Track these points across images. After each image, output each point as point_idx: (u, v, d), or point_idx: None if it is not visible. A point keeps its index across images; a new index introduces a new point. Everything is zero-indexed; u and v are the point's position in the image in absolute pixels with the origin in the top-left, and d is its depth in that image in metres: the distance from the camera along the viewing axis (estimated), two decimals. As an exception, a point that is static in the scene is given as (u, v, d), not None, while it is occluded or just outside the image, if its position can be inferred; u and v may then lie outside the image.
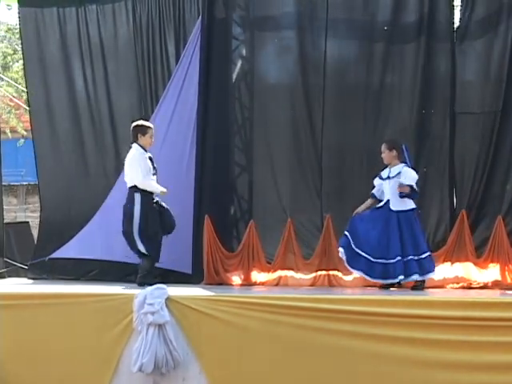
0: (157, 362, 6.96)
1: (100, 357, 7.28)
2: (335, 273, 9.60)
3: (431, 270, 8.79)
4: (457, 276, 9.33)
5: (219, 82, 10.12)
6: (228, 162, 10.10)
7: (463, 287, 9.23)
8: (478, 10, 9.51)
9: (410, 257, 8.65)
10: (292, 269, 9.76)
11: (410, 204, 8.83)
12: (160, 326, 7.00)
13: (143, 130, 9.16)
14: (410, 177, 8.81)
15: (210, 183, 9.87)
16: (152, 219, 8.96)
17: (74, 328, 7.42)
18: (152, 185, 9.00)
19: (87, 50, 11.09)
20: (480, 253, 9.25)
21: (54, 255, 10.56)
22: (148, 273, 8.83)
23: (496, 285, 9.17)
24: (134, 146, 9.16)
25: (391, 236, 8.71)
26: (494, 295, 8.28)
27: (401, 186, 8.73)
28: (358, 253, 8.74)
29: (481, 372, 6.32)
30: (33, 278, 10.74)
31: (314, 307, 6.78)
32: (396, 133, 9.65)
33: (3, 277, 10.97)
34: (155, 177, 9.13)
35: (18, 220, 18.08)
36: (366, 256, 8.73)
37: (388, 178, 8.91)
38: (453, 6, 9.59)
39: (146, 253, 8.90)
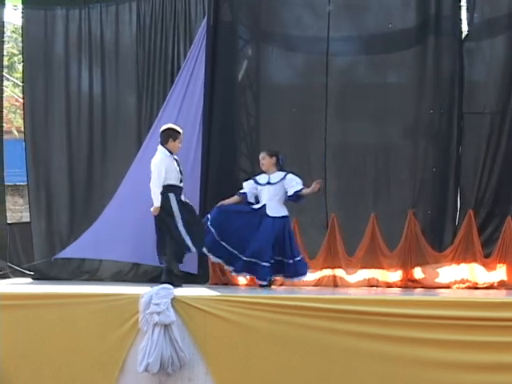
0: (163, 362, 6.95)
1: (106, 357, 7.27)
2: (340, 273, 9.60)
3: (304, 273, 9.16)
4: (462, 276, 9.31)
5: (225, 82, 10.12)
6: (233, 160, 10.10)
7: (469, 287, 9.21)
8: (485, 9, 9.49)
9: (285, 260, 9.04)
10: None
11: (285, 211, 9.11)
12: (166, 326, 6.99)
13: (175, 135, 9.04)
14: (299, 181, 9.09)
15: (215, 183, 9.88)
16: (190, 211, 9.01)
17: (80, 328, 7.40)
18: (155, 194, 8.90)
19: (91, 50, 11.07)
20: (488, 253, 9.24)
21: (59, 256, 10.57)
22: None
23: (502, 285, 9.16)
24: (160, 149, 9.04)
25: (264, 238, 8.95)
26: (500, 295, 8.26)
27: (318, 182, 9.03)
28: (221, 244, 9.04)
29: (489, 372, 6.30)
30: (37, 278, 10.76)
31: (321, 307, 6.77)
32: (402, 133, 9.66)
33: (8, 277, 10.97)
34: (182, 183, 9.05)
35: (24, 220, 18.06)
36: (231, 249, 9.03)
37: (268, 183, 9.14)
38: (460, 6, 9.58)
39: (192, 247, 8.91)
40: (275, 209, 9.07)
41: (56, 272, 10.80)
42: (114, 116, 10.95)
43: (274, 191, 9.10)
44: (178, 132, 9.09)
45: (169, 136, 9.03)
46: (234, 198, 9.29)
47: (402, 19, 9.75)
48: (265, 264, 8.90)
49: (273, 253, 8.96)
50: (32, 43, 11.40)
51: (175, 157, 9.09)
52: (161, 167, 8.91)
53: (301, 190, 9.02)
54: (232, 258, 9.07)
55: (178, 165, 9.06)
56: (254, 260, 8.94)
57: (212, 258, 9.24)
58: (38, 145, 11.22)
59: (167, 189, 8.92)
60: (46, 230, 11.11)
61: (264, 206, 9.09)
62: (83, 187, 10.99)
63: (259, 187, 9.23)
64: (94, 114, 11.02)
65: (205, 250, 9.03)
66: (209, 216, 9.14)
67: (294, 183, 9.06)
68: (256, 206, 9.17)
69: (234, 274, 9.31)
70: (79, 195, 11.00)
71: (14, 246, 11.40)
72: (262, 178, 9.25)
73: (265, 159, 9.25)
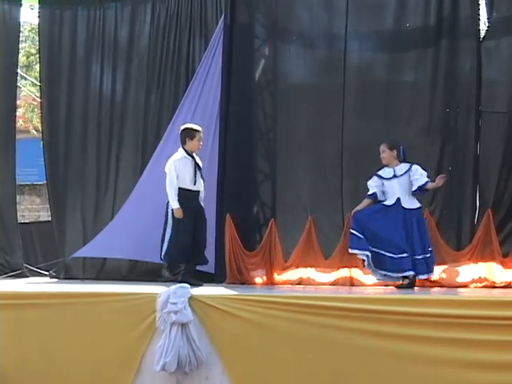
0: (180, 361, 6.95)
1: (123, 356, 7.28)
2: (356, 273, 9.57)
3: (432, 270, 8.80)
4: (480, 275, 9.28)
5: (241, 82, 10.12)
6: (250, 160, 10.11)
7: (487, 286, 9.18)
8: (503, 8, 9.45)
9: (419, 256, 8.65)
10: (312, 267, 9.76)
11: (417, 203, 8.81)
12: (183, 325, 6.99)
13: (191, 134, 9.01)
14: (424, 173, 8.78)
15: (232, 183, 9.88)
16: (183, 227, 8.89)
17: (97, 327, 7.42)
18: (171, 196, 8.90)
19: (106, 50, 11.16)
20: (506, 252, 9.20)
21: (76, 255, 10.62)
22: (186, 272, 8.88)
23: (520, 284, 9.13)
24: (179, 150, 9.05)
25: (404, 233, 8.65)
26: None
27: (441, 177, 8.76)
28: (378, 252, 8.67)
29: (509, 371, 6.27)
30: (54, 277, 10.81)
31: (338, 306, 6.75)
32: (418, 132, 9.63)
33: (25, 276, 11.04)
34: (200, 186, 9.04)
35: (41, 219, 18.16)
36: (384, 253, 8.66)
37: (395, 176, 8.84)
38: (478, 3, 9.54)
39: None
40: (409, 201, 8.79)
41: (75, 271, 10.87)
42: (128, 116, 11.01)
43: (403, 183, 8.78)
44: (194, 130, 9.06)
45: (185, 136, 9.03)
46: (365, 202, 8.95)
47: (420, 17, 9.72)
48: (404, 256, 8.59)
49: (411, 248, 8.63)
50: (48, 43, 11.47)
51: (196, 158, 9.05)
52: (171, 168, 8.91)
53: (426, 183, 8.74)
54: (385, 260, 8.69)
55: (197, 168, 9.01)
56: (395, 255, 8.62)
57: (377, 274, 8.84)
58: (56, 144, 11.28)
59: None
60: (65, 229, 11.16)
61: (398, 199, 8.78)
62: (99, 186, 11.04)
63: (385, 182, 8.90)
64: (109, 114, 11.08)
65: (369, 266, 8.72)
66: (351, 231, 8.78)
67: (418, 175, 8.74)
68: (389, 202, 8.84)
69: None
70: (94, 194, 11.05)
71: (31, 245, 11.47)
72: (386, 172, 8.91)
73: (385, 152, 8.91)
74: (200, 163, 9.08)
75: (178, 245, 8.84)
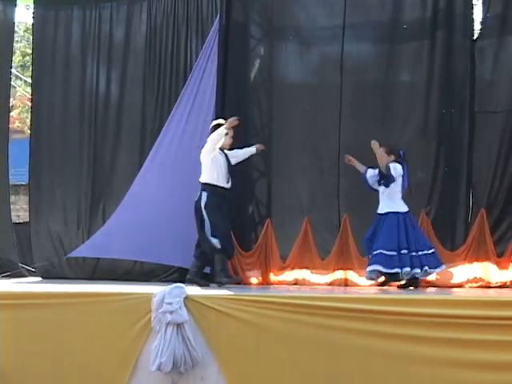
0: (175, 361, 6.94)
1: (118, 356, 7.26)
2: (352, 275, 9.58)
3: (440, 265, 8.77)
4: (475, 275, 9.29)
5: (237, 80, 10.15)
6: (246, 159, 10.08)
7: (482, 286, 9.19)
8: (498, 7, 9.46)
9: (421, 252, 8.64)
10: (308, 268, 9.76)
11: (392, 207, 8.74)
12: (178, 325, 6.98)
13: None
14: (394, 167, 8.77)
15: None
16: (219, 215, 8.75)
17: (92, 327, 7.40)
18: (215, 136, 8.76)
19: (102, 50, 11.13)
20: (501, 252, 9.21)
21: (71, 255, 10.61)
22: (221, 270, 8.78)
23: (514, 284, 9.15)
24: None
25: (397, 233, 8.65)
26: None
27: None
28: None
29: (502, 371, 6.27)
30: (46, 277, 10.81)
31: (333, 306, 6.74)
32: (414, 132, 9.63)
33: (23, 275, 11.03)
34: (226, 184, 8.94)
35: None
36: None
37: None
38: (472, 3, 9.56)
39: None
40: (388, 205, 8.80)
41: (67, 271, 10.86)
42: (123, 115, 10.99)
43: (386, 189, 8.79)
44: (221, 125, 8.91)
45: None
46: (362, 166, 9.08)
47: (415, 13, 9.73)
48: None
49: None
50: (42, 43, 11.47)
51: (228, 156, 8.98)
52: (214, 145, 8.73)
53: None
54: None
55: (227, 164, 8.91)
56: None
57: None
58: (42, 144, 11.26)
59: (203, 186, 8.80)
60: (44, 230, 11.15)
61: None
62: (88, 187, 11.02)
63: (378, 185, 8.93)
64: (105, 114, 11.07)
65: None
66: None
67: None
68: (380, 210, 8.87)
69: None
70: (89, 194, 11.03)
71: (27, 245, 11.45)
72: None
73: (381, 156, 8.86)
74: (231, 161, 9.01)
75: (222, 232, 8.70)
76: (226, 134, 8.84)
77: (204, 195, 8.73)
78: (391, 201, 8.76)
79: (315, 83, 10.09)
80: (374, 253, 8.58)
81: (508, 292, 8.60)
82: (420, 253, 8.61)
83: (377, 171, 8.85)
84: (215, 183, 8.80)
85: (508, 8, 9.40)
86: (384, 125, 9.72)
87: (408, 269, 8.54)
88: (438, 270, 8.79)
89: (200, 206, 8.72)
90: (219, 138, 8.78)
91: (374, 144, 8.74)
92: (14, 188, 14.43)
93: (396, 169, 8.76)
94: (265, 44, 10.33)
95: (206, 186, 8.79)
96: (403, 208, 8.76)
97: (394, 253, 8.54)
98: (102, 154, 11.00)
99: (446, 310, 6.51)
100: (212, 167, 8.81)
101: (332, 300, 6.93)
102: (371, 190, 8.92)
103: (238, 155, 9.20)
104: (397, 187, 8.77)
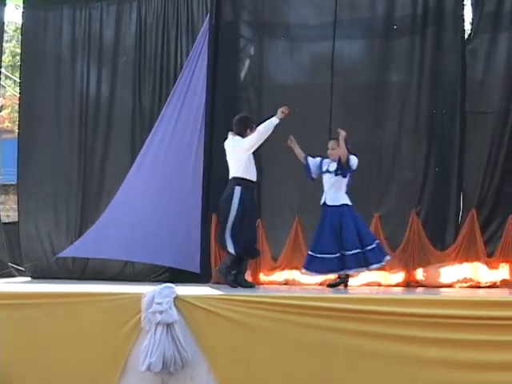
0: (165, 361, 6.92)
1: (108, 356, 7.24)
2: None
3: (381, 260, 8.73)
4: (465, 275, 9.31)
5: (227, 80, 10.14)
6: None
7: (472, 286, 9.21)
8: (489, 7, 9.47)
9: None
10: (299, 268, 9.74)
11: (343, 199, 8.77)
12: (168, 325, 6.97)
13: (251, 124, 8.66)
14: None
15: (218, 180, 9.83)
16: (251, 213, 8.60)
17: (82, 327, 7.38)
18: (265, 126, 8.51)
19: (92, 50, 11.11)
20: (490, 252, 9.23)
21: (61, 255, 10.58)
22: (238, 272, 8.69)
23: (504, 284, 9.16)
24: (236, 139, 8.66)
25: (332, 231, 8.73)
26: (503, 294, 8.24)
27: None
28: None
29: (491, 371, 6.28)
30: (36, 278, 10.78)
31: (323, 306, 6.74)
32: (405, 132, 9.64)
33: (13, 275, 11.01)
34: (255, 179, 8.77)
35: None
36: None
37: (327, 171, 8.86)
38: (463, 3, 9.57)
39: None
40: (334, 198, 8.84)
41: (56, 271, 10.84)
42: (114, 115, 10.97)
43: (330, 179, 8.85)
44: (248, 118, 8.76)
45: (245, 125, 8.61)
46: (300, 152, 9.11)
47: (406, 11, 9.76)
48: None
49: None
50: (32, 43, 11.45)
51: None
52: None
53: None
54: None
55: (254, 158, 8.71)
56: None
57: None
58: (31, 144, 11.23)
59: (236, 181, 8.57)
60: (33, 230, 11.12)
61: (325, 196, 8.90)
62: (77, 186, 11.00)
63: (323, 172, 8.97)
64: (95, 113, 11.05)
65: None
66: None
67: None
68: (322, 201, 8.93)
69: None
70: (80, 195, 11.01)
71: (17, 245, 11.42)
72: (324, 164, 8.96)
73: (335, 149, 8.83)
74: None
75: (245, 238, 8.56)
76: (253, 128, 8.53)
77: (237, 190, 8.50)
78: (340, 192, 8.79)
79: (305, 82, 10.09)
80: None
81: (498, 292, 8.62)
82: (366, 248, 8.63)
83: (318, 160, 8.88)
84: (250, 178, 8.61)
85: (500, 6, 9.42)
86: (375, 125, 9.74)
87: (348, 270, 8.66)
88: (382, 263, 8.75)
89: (231, 201, 8.49)
90: (268, 130, 8.50)
91: (342, 133, 8.69)
92: (4, 188, 14.45)
93: (355, 161, 8.77)
94: (255, 43, 10.34)
95: (241, 181, 8.56)
96: (349, 201, 8.78)
97: (338, 254, 8.64)
98: (92, 154, 10.98)
99: (436, 310, 6.52)
100: (251, 162, 8.63)
101: (322, 300, 6.92)
102: (310, 179, 8.92)
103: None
104: (345, 180, 8.79)
